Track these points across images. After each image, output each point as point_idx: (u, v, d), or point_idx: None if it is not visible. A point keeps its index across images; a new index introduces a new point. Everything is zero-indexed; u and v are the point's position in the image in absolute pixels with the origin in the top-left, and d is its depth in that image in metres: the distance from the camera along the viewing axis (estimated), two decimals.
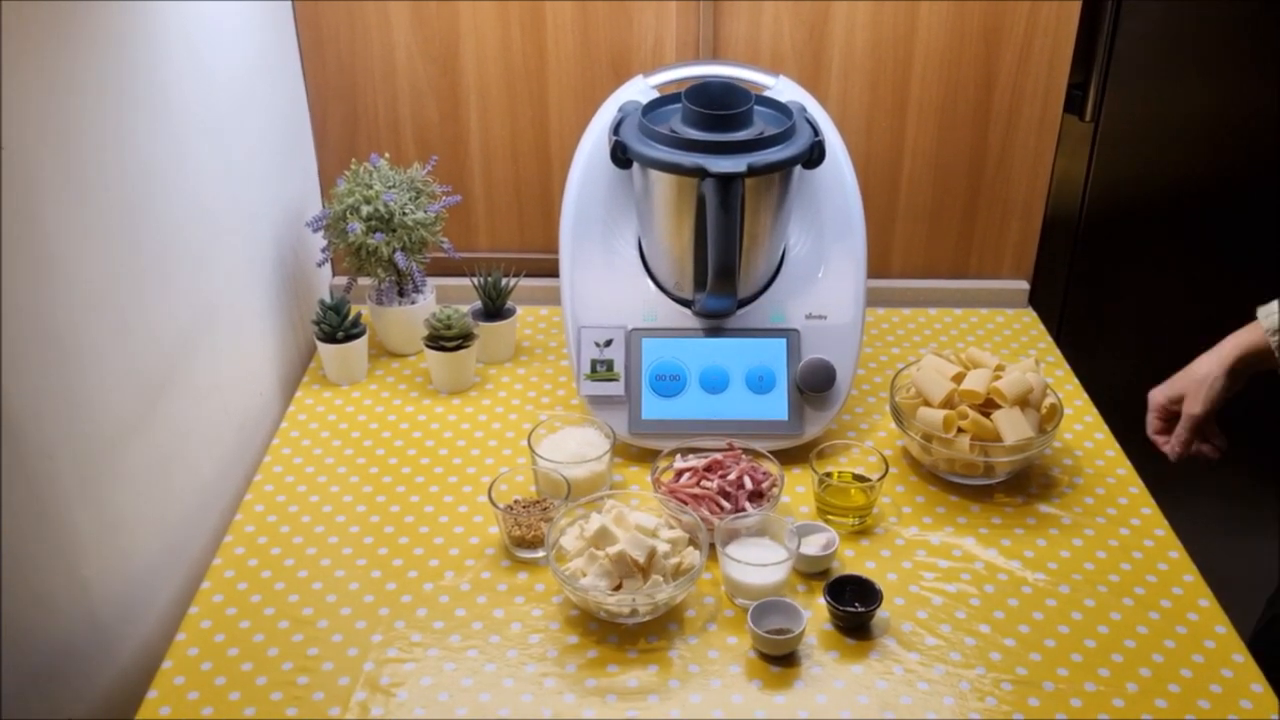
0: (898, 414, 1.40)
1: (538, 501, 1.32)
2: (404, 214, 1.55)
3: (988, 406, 1.36)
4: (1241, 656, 1.15)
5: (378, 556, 1.28)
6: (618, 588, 1.17)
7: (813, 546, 1.25)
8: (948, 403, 1.36)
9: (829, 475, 1.34)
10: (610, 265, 1.47)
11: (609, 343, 1.43)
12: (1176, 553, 1.29)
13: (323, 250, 1.61)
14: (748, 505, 1.28)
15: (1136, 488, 1.39)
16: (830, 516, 1.33)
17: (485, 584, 1.24)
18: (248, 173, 1.47)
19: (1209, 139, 1.76)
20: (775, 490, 1.31)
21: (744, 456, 1.35)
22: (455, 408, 1.55)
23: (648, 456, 1.41)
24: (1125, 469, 1.43)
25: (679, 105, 1.38)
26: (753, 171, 1.30)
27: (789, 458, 1.41)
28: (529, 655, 1.15)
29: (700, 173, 1.30)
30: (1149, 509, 1.36)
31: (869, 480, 1.35)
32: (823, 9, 1.61)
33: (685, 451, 1.36)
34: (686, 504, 1.27)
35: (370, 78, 1.67)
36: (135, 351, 1.16)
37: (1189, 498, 1.54)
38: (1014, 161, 1.72)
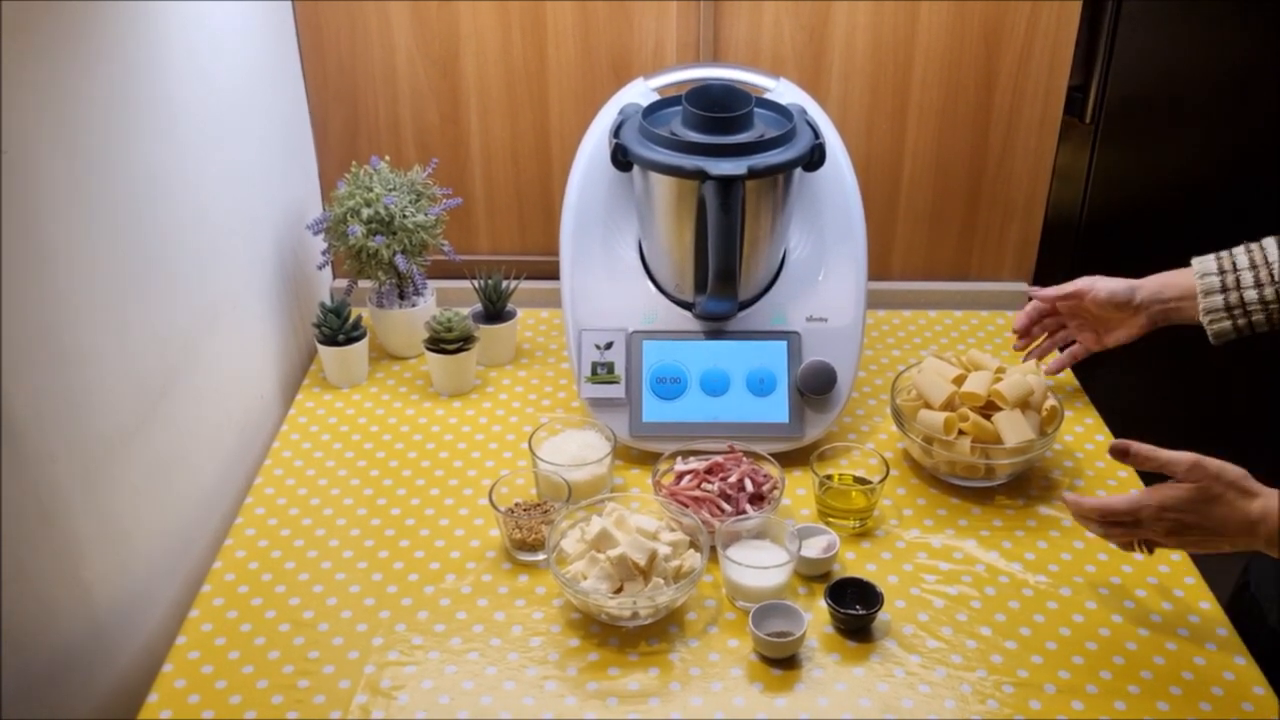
0: (898, 416, 1.40)
1: (538, 504, 1.32)
2: (404, 216, 1.55)
3: (988, 409, 1.35)
4: (1243, 659, 1.15)
5: (378, 559, 1.28)
6: (619, 590, 1.17)
7: (814, 549, 1.25)
8: (948, 405, 1.36)
9: (830, 478, 1.34)
10: (611, 268, 1.47)
11: (609, 345, 1.43)
12: (1178, 555, 1.29)
13: (323, 253, 1.61)
14: (748, 508, 1.28)
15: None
16: (831, 519, 1.32)
17: (486, 587, 1.24)
18: (248, 176, 1.47)
19: (1209, 140, 1.76)
20: (776, 493, 1.31)
21: (745, 459, 1.35)
22: (456, 410, 1.55)
23: (648, 459, 1.41)
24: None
25: (679, 108, 1.38)
26: (753, 174, 1.30)
27: (790, 460, 1.40)
28: (530, 658, 1.15)
29: (701, 175, 1.30)
30: None
31: (870, 483, 1.35)
32: (823, 11, 1.61)
33: (686, 454, 1.36)
34: (687, 506, 1.27)
35: (371, 80, 1.67)
36: (136, 354, 1.16)
37: None
38: (1014, 163, 1.72)
